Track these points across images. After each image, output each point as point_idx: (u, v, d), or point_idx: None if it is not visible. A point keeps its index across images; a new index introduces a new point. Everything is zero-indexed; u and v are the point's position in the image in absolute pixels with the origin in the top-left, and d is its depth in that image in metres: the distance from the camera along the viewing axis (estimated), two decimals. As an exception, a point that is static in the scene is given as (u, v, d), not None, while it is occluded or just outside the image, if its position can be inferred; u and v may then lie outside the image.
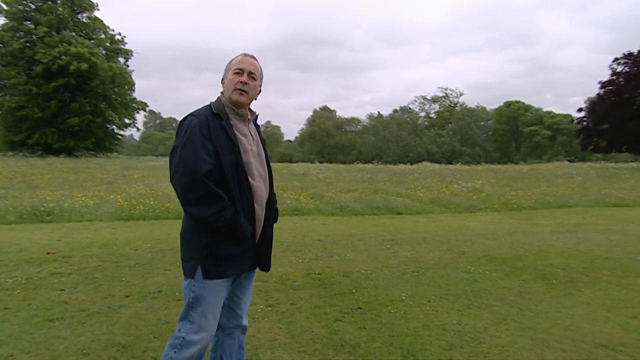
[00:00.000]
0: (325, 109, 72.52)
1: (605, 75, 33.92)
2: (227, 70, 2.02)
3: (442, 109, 65.35)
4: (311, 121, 68.28)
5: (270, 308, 3.47)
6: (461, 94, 65.56)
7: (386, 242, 6.13)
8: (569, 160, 29.56)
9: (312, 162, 25.59)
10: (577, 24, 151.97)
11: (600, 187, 13.52)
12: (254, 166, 1.97)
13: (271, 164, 2.16)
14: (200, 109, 1.97)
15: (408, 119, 63.17)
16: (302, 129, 71.72)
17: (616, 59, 32.78)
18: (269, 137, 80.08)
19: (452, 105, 64.94)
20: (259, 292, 3.80)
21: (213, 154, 1.83)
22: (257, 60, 2.04)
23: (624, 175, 16.42)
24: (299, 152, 64.49)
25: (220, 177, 1.84)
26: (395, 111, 68.90)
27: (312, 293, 3.86)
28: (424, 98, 64.77)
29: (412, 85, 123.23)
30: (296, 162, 31.75)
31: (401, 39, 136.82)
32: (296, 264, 4.88)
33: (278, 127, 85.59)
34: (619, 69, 32.48)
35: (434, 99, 64.77)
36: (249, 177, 1.93)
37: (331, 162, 32.90)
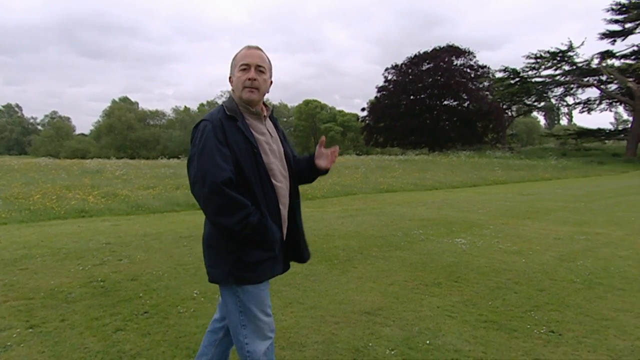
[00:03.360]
0: (125, 100, 66.00)
1: (380, 82, 40.15)
2: (232, 67, 1.90)
3: (248, 104, 67.03)
4: (109, 113, 61.29)
5: (31, 330, 2.92)
6: (266, 92, 68.36)
7: (184, 239, 5.90)
8: (356, 154, 33.78)
9: (109, 158, 22.92)
10: (354, 37, 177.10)
11: (378, 176, 15.91)
12: (276, 166, 1.88)
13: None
14: (213, 111, 1.85)
15: (215, 113, 62.84)
16: (98, 121, 63.80)
17: (387, 69, 39.20)
18: (58, 130, 68.50)
19: (258, 101, 67.19)
20: (17, 312, 3.17)
21: (231, 160, 1.73)
22: (262, 51, 1.90)
23: (395, 166, 19.69)
24: (95, 146, 57.18)
25: (242, 182, 1.75)
26: (202, 105, 67.53)
27: (91, 304, 3.42)
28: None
29: (217, 80, 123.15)
30: (91, 158, 27.95)
31: (202, 33, 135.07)
32: (75, 272, 4.26)
33: (68, 118, 73.98)
34: (389, 77, 39.01)
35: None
36: (272, 178, 1.84)
37: (133, 158, 30.09)
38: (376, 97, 39.50)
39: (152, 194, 10.41)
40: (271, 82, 1.97)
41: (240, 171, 1.75)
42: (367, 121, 40.80)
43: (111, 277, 4.12)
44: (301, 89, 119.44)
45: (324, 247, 5.47)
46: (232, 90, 1.92)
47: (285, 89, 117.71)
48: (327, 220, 7.58)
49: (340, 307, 3.40)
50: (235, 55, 1.91)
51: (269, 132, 1.93)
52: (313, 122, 63.60)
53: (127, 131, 57.17)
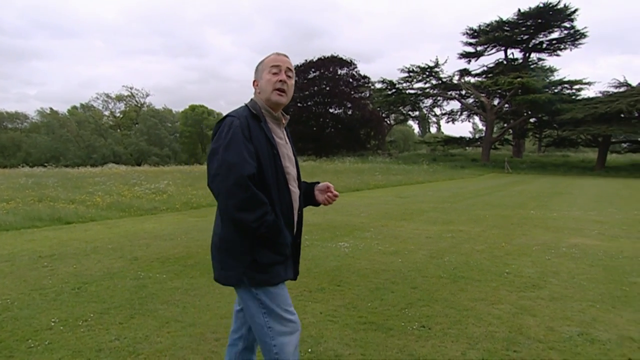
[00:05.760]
0: (-31, 98, 56.31)
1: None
2: (260, 71, 1.90)
3: (128, 108, 62.19)
4: (-53, 112, 51.75)
5: None
6: (147, 95, 64.34)
7: (44, 259, 5.17)
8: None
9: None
10: (237, 44, 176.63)
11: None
12: (291, 171, 1.90)
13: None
14: (238, 109, 1.86)
15: (90, 117, 56.91)
16: None
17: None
18: None
19: (139, 105, 62.74)
20: None
21: (255, 157, 1.73)
22: (290, 59, 1.91)
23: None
24: None
25: (260, 182, 1.74)
26: (75, 108, 60.91)
27: None
28: (108, 96, 59.96)
29: (88, 82, 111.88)
30: None
31: (68, 30, 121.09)
32: None
33: None
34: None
35: (119, 98, 60.95)
36: (288, 182, 1.85)
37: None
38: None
39: (6, 208, 8.99)
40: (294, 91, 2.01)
41: (260, 170, 1.75)
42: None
43: (-61, 312, 3.41)
44: (185, 94, 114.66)
45: (207, 258, 5.22)
46: (258, 92, 1.91)
47: (168, 93, 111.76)
48: (210, 230, 7.28)
49: (222, 322, 3.25)
50: (263, 60, 1.91)
51: (285, 139, 1.95)
52: (200, 128, 61.28)
53: (-25, 135, 48.88)
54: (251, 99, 1.94)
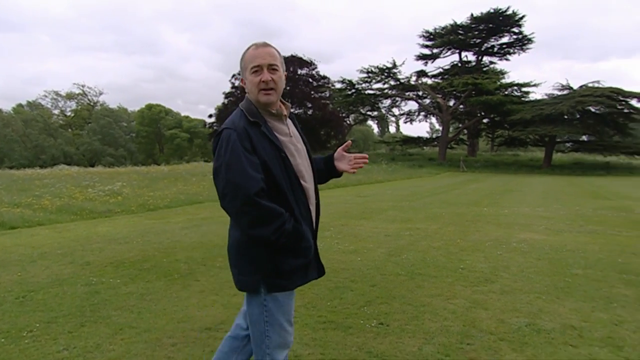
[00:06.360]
0: None
1: (227, 88, 39.93)
2: (243, 69, 1.79)
3: (80, 107, 59.52)
4: None
5: None
6: (101, 93, 61.81)
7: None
8: (204, 161, 32.77)
9: None
10: (194, 42, 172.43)
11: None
12: (304, 167, 1.82)
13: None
14: (234, 118, 1.76)
15: (38, 115, 53.91)
16: None
17: (234, 75, 39.11)
18: None
19: (92, 104, 60.20)
20: None
21: (261, 168, 1.66)
22: (272, 47, 1.77)
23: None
24: None
25: (274, 188, 1.68)
26: (20, 106, 57.62)
27: None
28: (57, 94, 57.10)
29: (35, 79, 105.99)
30: None
31: (9, 22, 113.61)
32: None
33: None
34: (237, 83, 39.03)
35: (70, 96, 58.24)
36: (301, 180, 1.78)
37: None
38: (224, 103, 39.07)
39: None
40: (286, 76, 1.87)
41: (271, 177, 1.68)
42: (214, 127, 40.02)
43: None
44: (140, 93, 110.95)
45: (164, 261, 5.10)
46: (247, 92, 1.81)
47: (123, 91, 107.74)
48: (170, 231, 7.10)
49: (179, 326, 3.18)
50: (243, 56, 1.79)
51: (291, 132, 1.85)
52: (157, 127, 59.45)
53: None
54: (246, 98, 1.83)
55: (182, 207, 10.89)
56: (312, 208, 1.84)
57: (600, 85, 32.60)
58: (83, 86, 58.66)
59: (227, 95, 38.52)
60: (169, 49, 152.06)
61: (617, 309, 3.51)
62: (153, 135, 59.79)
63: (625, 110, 31.62)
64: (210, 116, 40.60)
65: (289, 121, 1.88)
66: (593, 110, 31.86)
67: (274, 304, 1.75)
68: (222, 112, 38.27)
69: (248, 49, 1.78)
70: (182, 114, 64.41)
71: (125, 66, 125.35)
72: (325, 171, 2.04)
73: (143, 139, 59.39)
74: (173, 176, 17.62)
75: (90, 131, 53.64)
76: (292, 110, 1.95)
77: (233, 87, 38.34)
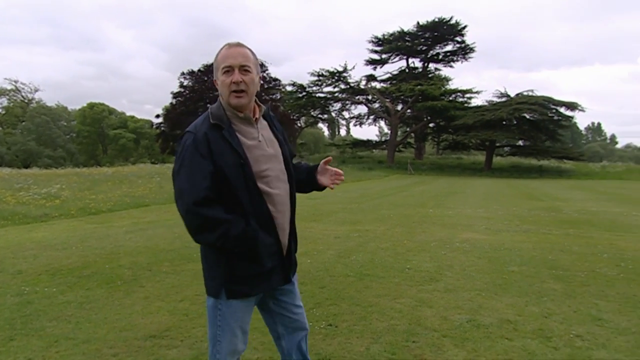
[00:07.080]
0: None
1: (175, 87, 38.73)
2: (215, 69, 1.74)
3: (12, 104, 55.44)
4: None
5: None
6: (36, 90, 57.85)
7: None
8: (152, 162, 31.60)
9: None
10: (139, 40, 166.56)
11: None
12: (272, 172, 1.75)
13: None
14: (198, 121, 1.71)
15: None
16: None
17: (182, 74, 37.99)
18: None
19: (26, 101, 56.26)
20: None
21: (211, 174, 1.61)
22: (245, 47, 1.72)
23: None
24: None
25: (229, 194, 1.64)
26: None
27: None
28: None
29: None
30: None
31: None
32: None
33: None
34: (185, 82, 37.92)
35: (0, 92, 54.06)
36: (264, 186, 1.71)
37: None
38: (172, 103, 37.83)
39: None
40: (260, 79, 1.82)
41: (227, 183, 1.64)
42: (162, 128, 38.70)
43: None
44: (81, 91, 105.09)
45: (106, 267, 4.87)
46: (219, 94, 1.75)
47: (61, 89, 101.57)
48: (113, 236, 6.79)
49: (121, 335, 3.05)
50: (216, 56, 1.73)
51: (262, 135, 1.78)
52: (100, 127, 56.48)
53: None
54: (217, 100, 1.77)
55: (127, 210, 10.43)
56: (281, 215, 1.77)
57: (534, 94, 34.99)
58: (16, 82, 54.70)
59: (175, 95, 37.32)
60: (111, 46, 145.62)
61: (547, 302, 3.78)
62: (95, 135, 56.76)
63: (555, 118, 34.14)
64: (157, 116, 39.16)
65: (263, 124, 1.82)
66: (528, 117, 34.10)
67: (227, 310, 1.74)
68: (170, 113, 37.05)
69: (221, 48, 1.73)
70: (128, 114, 61.75)
71: (62, 62, 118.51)
72: (306, 182, 1.99)
73: (85, 139, 56.22)
74: (117, 178, 16.84)
75: (24, 130, 50.04)
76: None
77: (181, 86, 37.23)
